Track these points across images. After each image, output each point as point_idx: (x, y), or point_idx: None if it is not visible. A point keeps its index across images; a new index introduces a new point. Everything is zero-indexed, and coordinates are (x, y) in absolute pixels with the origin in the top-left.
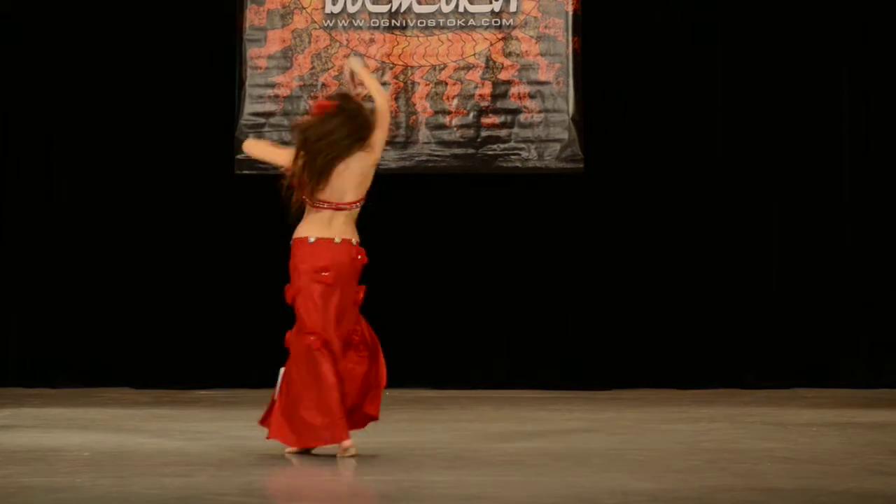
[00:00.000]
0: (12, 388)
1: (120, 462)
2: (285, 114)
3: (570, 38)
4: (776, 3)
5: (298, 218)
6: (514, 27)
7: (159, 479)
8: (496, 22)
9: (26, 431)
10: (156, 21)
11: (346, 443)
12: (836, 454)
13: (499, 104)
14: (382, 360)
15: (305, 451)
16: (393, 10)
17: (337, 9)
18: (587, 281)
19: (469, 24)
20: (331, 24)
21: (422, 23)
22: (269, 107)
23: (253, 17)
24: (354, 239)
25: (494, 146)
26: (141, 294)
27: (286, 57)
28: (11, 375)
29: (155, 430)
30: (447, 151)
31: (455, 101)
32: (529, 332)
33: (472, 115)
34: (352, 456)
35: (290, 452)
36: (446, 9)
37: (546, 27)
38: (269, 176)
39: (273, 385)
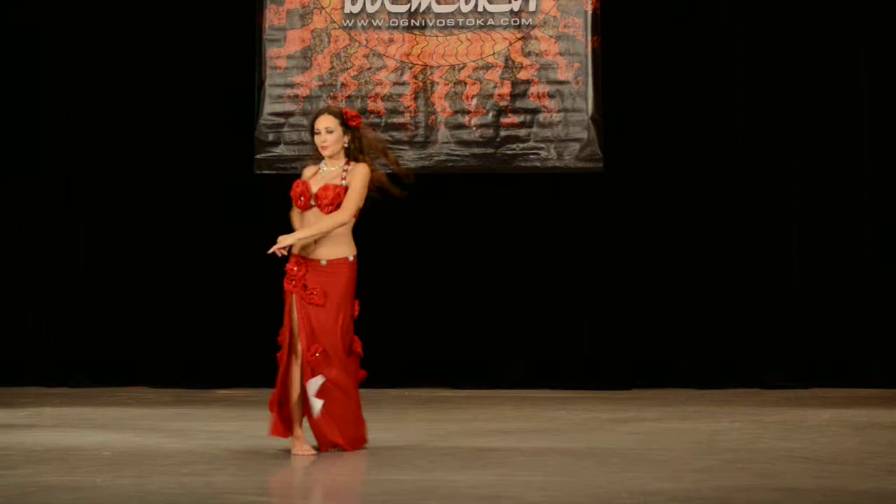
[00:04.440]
0: (33, 387)
1: (140, 461)
2: (305, 114)
3: (590, 38)
4: (794, 1)
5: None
6: (534, 27)
7: (179, 479)
8: (515, 21)
9: (46, 431)
10: (176, 21)
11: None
12: (855, 454)
13: (518, 104)
14: None
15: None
16: (412, 9)
17: (356, 8)
18: (607, 280)
19: (488, 23)
20: (350, 24)
21: (441, 22)
22: (288, 107)
23: (272, 16)
24: None
25: (514, 146)
26: (161, 293)
27: (306, 57)
28: (32, 375)
29: (175, 429)
30: (466, 151)
31: (474, 101)
32: (549, 331)
33: (491, 114)
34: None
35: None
36: (465, 8)
37: (565, 26)
38: (288, 176)
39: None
